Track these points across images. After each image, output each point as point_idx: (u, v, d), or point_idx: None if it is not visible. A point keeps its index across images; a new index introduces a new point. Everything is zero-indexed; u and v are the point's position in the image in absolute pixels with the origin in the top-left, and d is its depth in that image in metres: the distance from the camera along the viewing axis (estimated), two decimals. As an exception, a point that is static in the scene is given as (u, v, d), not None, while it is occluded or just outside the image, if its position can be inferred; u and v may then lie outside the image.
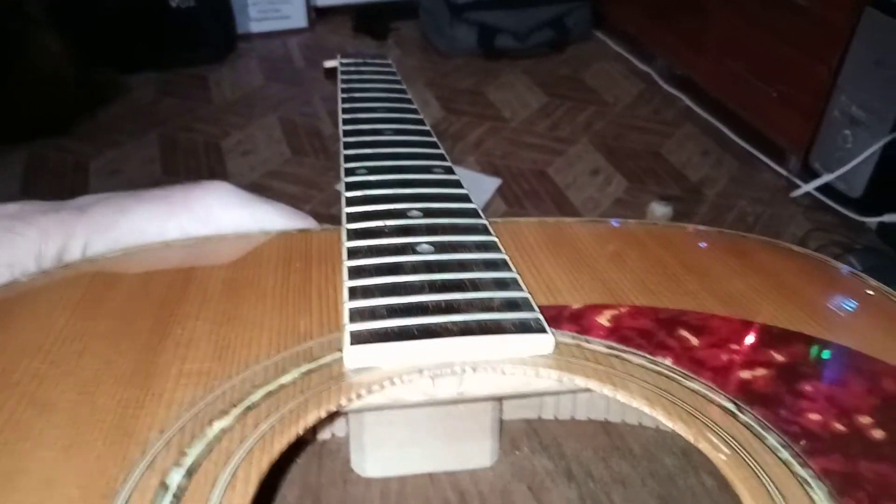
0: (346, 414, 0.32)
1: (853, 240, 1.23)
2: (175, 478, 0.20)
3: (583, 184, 1.54)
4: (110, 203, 0.34)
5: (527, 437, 0.36)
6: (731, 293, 0.32)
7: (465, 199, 0.36)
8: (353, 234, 0.32)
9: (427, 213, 0.34)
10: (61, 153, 1.66)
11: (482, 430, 0.34)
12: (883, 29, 1.02)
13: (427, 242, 0.32)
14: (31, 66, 1.58)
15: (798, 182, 1.18)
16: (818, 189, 1.11)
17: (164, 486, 0.20)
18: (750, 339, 0.28)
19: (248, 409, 0.24)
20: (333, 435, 0.35)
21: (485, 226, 0.34)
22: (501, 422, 0.35)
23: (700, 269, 0.34)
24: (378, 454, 0.33)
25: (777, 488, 0.21)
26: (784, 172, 1.26)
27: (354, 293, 0.29)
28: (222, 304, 0.30)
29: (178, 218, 0.34)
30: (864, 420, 0.24)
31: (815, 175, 1.15)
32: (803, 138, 1.17)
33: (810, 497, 0.21)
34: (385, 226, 0.33)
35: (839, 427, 0.23)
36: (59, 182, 1.55)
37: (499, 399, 0.32)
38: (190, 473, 0.21)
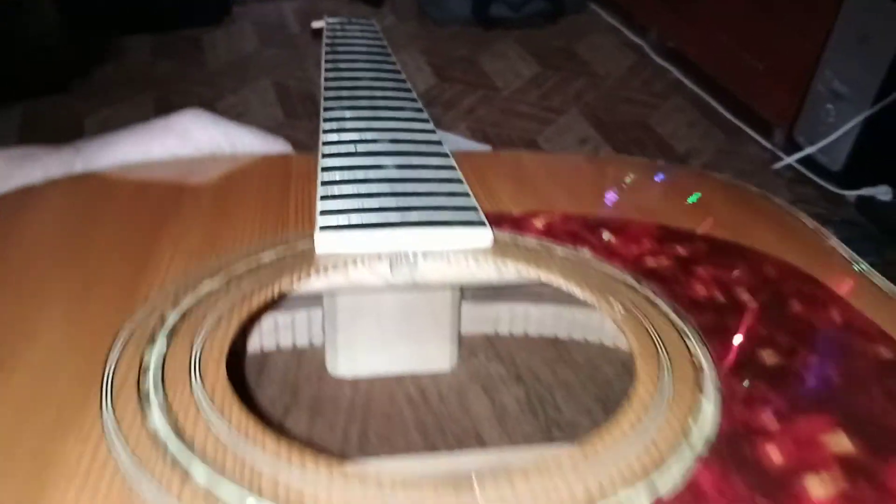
0: (321, 307, 0.37)
1: (832, 212, 1.28)
2: (172, 317, 0.25)
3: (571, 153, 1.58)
4: (101, 138, 0.40)
5: (483, 348, 0.41)
6: (653, 207, 0.36)
7: (431, 131, 0.41)
8: (328, 154, 0.37)
9: (394, 140, 0.39)
10: (56, 110, 1.69)
11: (443, 336, 0.39)
12: (867, 6, 1.06)
13: (391, 162, 0.37)
14: (24, 25, 1.61)
15: (782, 155, 1.16)
16: (801, 162, 1.13)
17: (162, 321, 0.25)
18: (657, 236, 0.33)
19: (233, 277, 0.28)
20: (311, 343, 0.40)
21: (445, 151, 0.39)
22: (461, 335, 0.40)
23: (628, 188, 0.39)
24: (349, 356, 0.38)
25: (659, 335, 0.26)
26: (769, 146, 1.27)
27: (326, 196, 0.33)
28: (211, 209, 0.35)
29: (161, 139, 0.39)
30: (738, 293, 0.29)
31: (799, 149, 1.18)
32: (788, 112, 1.19)
33: (684, 341, 0.26)
34: (356, 148, 0.38)
35: (716, 296, 0.28)
36: (55, 137, 1.59)
37: (449, 288, 0.36)
38: (183, 316, 0.25)
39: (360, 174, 0.36)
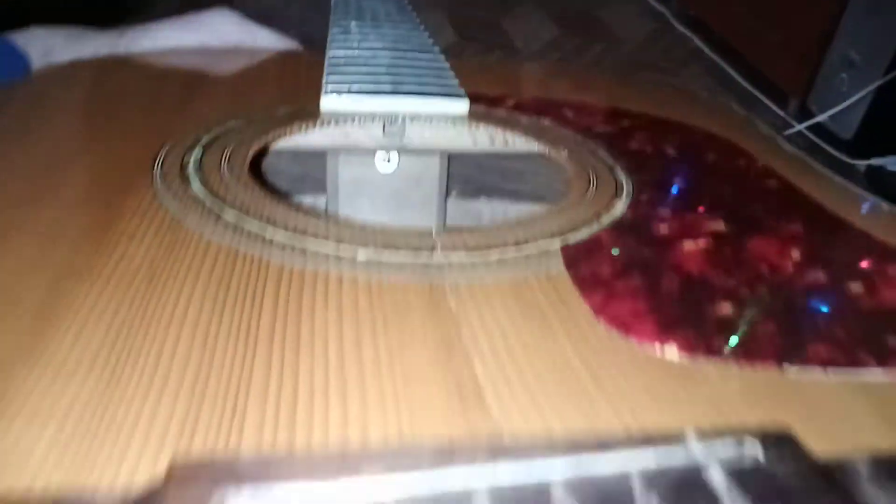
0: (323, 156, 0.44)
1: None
2: (205, 138, 0.32)
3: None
4: (142, 27, 0.46)
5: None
6: (607, 97, 0.43)
7: (426, 37, 0.47)
8: (335, 46, 0.44)
9: (392, 42, 0.46)
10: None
11: (430, 212, 0.46)
12: (883, -25, 1.06)
13: (388, 55, 0.43)
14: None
15: (794, 123, 1.14)
16: (814, 132, 1.11)
17: (196, 140, 0.31)
18: (607, 113, 0.39)
19: (251, 121, 0.35)
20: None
21: (436, 50, 0.45)
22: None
23: (590, 86, 0.45)
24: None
25: (594, 168, 0.32)
26: (783, 114, 1.22)
27: (331, 72, 0.40)
28: (235, 83, 0.42)
29: (194, 32, 0.46)
30: (663, 147, 0.35)
31: (811, 117, 1.15)
32: (802, 81, 1.19)
33: (612, 173, 0.32)
34: (358, 44, 0.45)
35: (645, 149, 0.35)
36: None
37: (436, 157, 0.43)
38: (214, 138, 0.32)
39: (360, 60, 0.42)
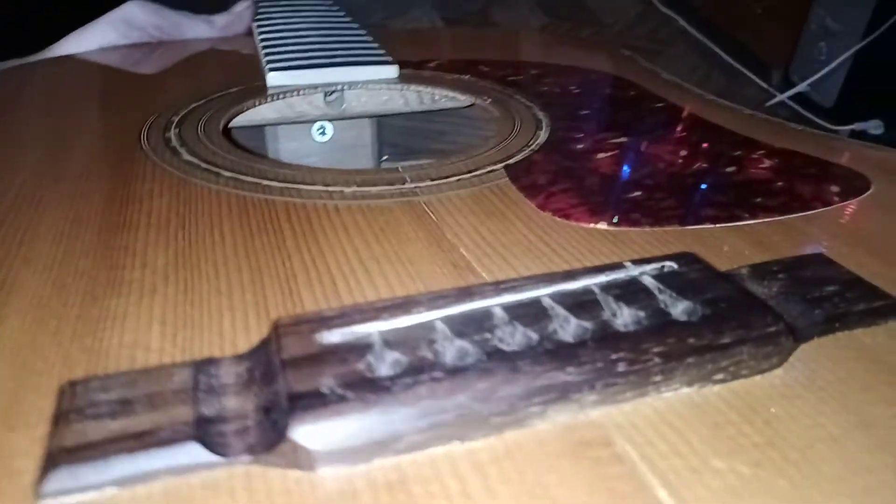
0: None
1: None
2: (176, 118, 0.36)
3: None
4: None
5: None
6: (518, 53, 0.49)
7: (344, 15, 0.53)
8: (263, 27, 0.48)
9: (317, 21, 0.50)
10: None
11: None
12: (857, -58, 1.09)
13: (317, 32, 0.48)
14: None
15: (776, 94, 1.16)
16: (797, 101, 1.12)
17: (170, 120, 0.35)
18: (517, 65, 0.46)
19: (210, 101, 0.39)
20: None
21: (357, 26, 0.50)
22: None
23: (502, 44, 0.51)
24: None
25: (516, 109, 0.39)
26: (766, 86, 1.23)
27: (268, 51, 0.44)
28: (181, 70, 0.45)
29: (114, 26, 0.49)
30: (570, 88, 0.42)
31: (793, 87, 1.16)
32: (784, 53, 1.21)
33: (532, 111, 0.38)
34: (285, 25, 0.49)
35: (554, 90, 0.42)
36: None
37: (370, 117, 0.48)
38: (183, 116, 0.36)
39: (291, 39, 0.47)
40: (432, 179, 0.30)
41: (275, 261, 0.23)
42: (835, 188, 0.29)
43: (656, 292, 0.20)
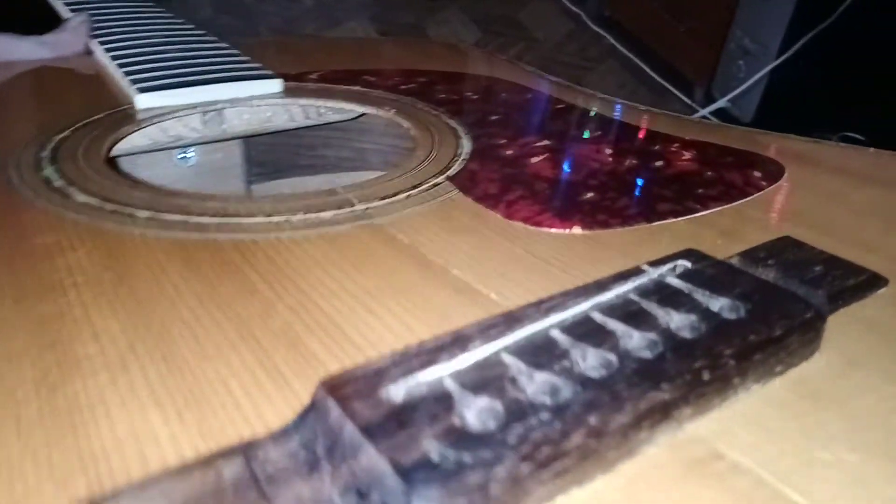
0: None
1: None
2: (46, 151, 0.30)
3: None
4: None
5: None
6: (393, 61, 0.48)
7: (193, 27, 0.48)
8: (107, 44, 0.42)
9: (164, 33, 0.45)
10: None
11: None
12: (770, -34, 1.13)
13: (172, 46, 0.43)
14: None
15: (698, 108, 1.21)
16: (717, 116, 1.17)
17: (38, 156, 0.30)
18: (403, 74, 0.44)
19: (73, 129, 0.33)
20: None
21: (214, 38, 0.46)
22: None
23: (374, 54, 0.49)
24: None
25: (427, 120, 0.37)
26: (690, 102, 1.28)
27: (127, 70, 0.39)
28: (27, 94, 0.39)
29: None
30: (466, 93, 0.41)
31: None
32: (706, 71, 1.26)
33: (443, 121, 0.37)
34: (131, 42, 0.44)
35: (452, 97, 0.41)
36: None
37: (251, 136, 0.44)
38: (53, 154, 0.30)
39: (148, 55, 0.42)
40: (381, 199, 0.28)
41: (256, 311, 0.20)
42: (757, 174, 0.31)
43: (690, 292, 0.20)
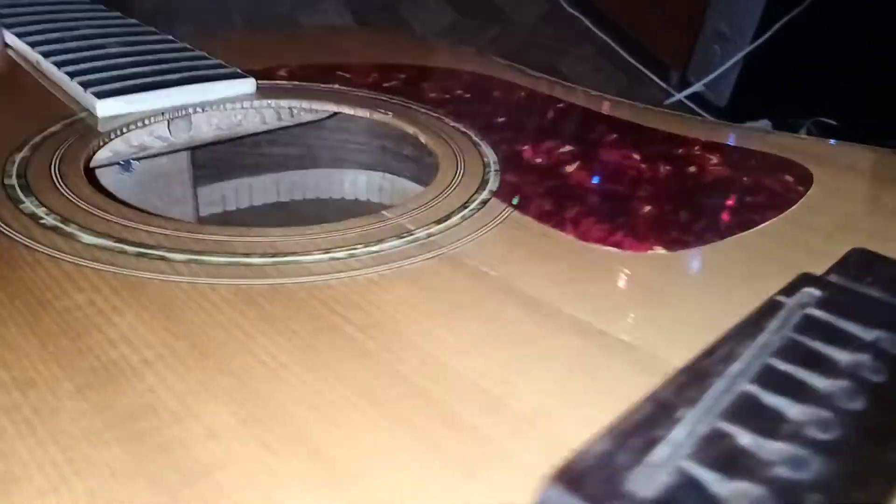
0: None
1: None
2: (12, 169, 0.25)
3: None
4: None
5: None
6: (362, 54, 0.44)
7: (139, 25, 0.42)
8: (44, 49, 0.36)
9: (110, 32, 0.39)
10: None
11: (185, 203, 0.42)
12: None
13: (119, 46, 0.37)
14: None
15: (674, 93, 1.19)
16: (693, 100, 1.16)
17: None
18: (383, 73, 0.41)
19: (32, 146, 0.28)
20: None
21: (166, 35, 0.40)
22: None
23: (340, 50, 0.46)
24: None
25: (435, 125, 0.34)
26: (665, 86, 1.26)
27: (79, 77, 0.33)
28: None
29: None
30: (454, 91, 0.39)
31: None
32: (682, 55, 1.23)
33: (451, 126, 0.34)
34: (76, 45, 0.37)
35: (442, 95, 0.38)
36: None
37: (220, 142, 0.39)
38: (23, 166, 0.25)
39: (99, 59, 0.36)
40: (437, 223, 0.25)
41: (381, 379, 0.17)
42: (790, 178, 0.31)
43: (841, 325, 0.19)
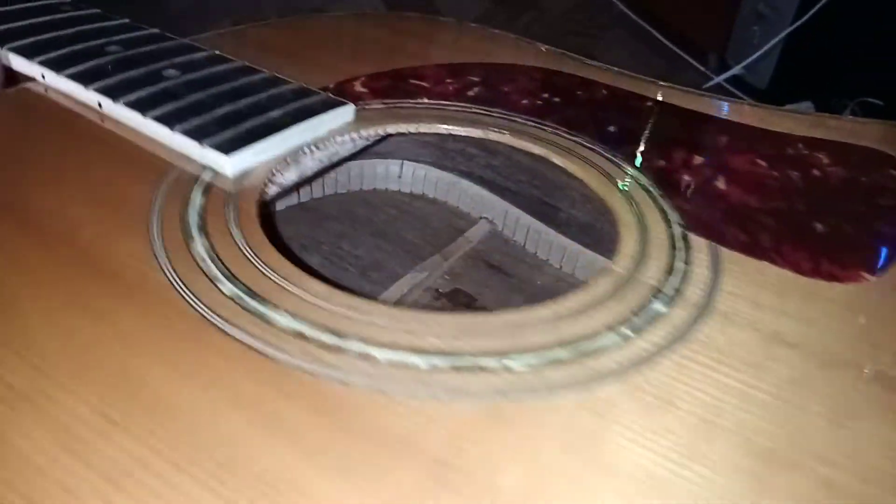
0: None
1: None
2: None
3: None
4: None
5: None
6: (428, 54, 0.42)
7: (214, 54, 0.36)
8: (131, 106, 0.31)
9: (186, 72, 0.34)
10: None
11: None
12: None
13: (211, 91, 0.32)
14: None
15: (713, 76, 1.16)
16: (733, 84, 1.14)
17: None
18: (457, 76, 0.39)
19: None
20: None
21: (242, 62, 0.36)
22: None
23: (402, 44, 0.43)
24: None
25: (590, 162, 0.33)
26: (704, 70, 1.22)
27: (199, 138, 0.29)
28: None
29: None
30: (542, 96, 0.38)
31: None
32: (720, 37, 1.20)
33: (576, 141, 0.33)
34: (163, 91, 0.32)
35: (536, 103, 0.37)
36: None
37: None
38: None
39: (199, 109, 0.31)
40: (667, 272, 0.25)
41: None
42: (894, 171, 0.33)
43: None
